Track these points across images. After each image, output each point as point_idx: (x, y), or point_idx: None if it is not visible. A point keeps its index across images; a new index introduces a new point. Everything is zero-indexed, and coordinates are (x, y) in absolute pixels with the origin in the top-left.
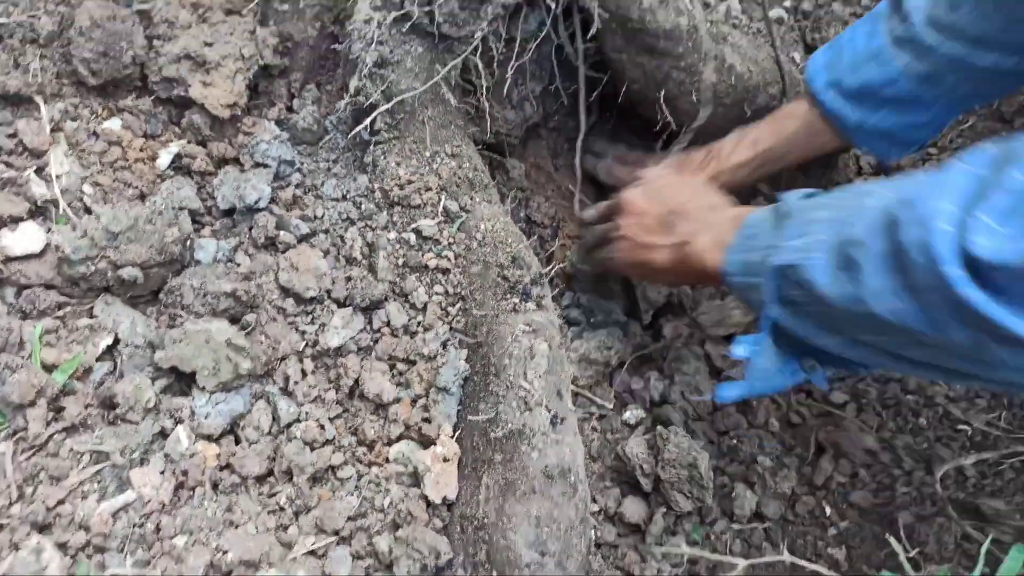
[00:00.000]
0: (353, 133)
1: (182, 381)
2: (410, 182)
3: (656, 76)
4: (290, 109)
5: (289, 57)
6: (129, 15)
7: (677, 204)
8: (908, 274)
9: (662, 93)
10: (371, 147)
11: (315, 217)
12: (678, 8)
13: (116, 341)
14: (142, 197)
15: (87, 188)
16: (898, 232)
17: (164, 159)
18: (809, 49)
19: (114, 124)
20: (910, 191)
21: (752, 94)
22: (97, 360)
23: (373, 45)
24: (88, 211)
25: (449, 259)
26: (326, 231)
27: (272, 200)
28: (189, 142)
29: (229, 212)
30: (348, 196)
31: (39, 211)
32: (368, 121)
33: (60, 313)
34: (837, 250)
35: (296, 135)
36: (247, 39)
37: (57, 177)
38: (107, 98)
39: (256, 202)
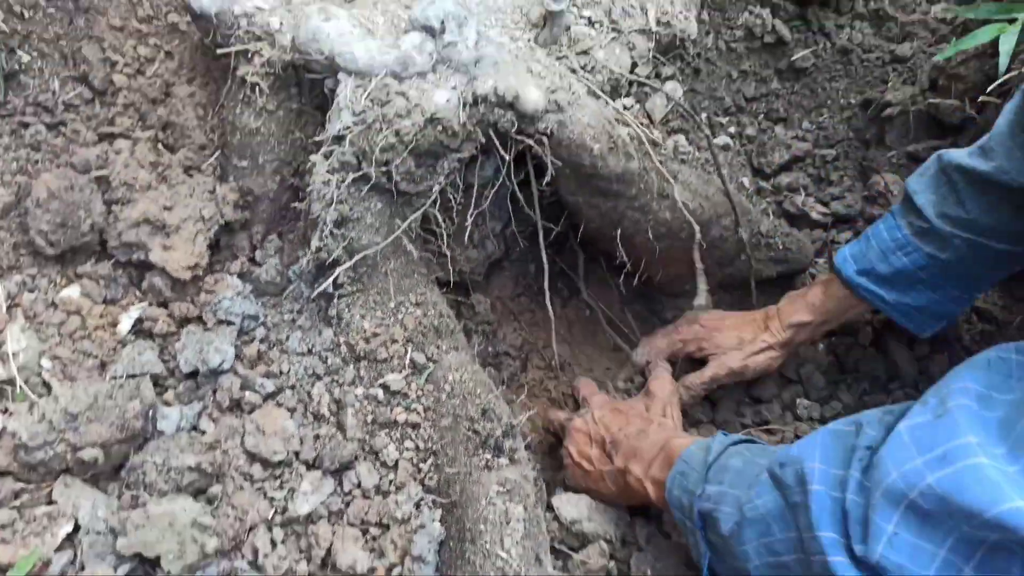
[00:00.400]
0: (317, 292)
1: (147, 565)
2: (375, 335)
3: (612, 216)
4: (252, 260)
5: (250, 211)
6: (87, 183)
7: (613, 432)
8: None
9: (618, 232)
10: (335, 300)
11: (281, 373)
12: (628, 153)
13: (76, 528)
14: (103, 366)
15: (45, 362)
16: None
17: (125, 324)
18: (756, 172)
19: (73, 292)
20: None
21: (706, 228)
22: (56, 551)
23: (333, 205)
24: (47, 387)
25: (419, 412)
26: (292, 387)
27: (237, 356)
28: (150, 304)
29: (192, 375)
30: (314, 350)
31: None
32: (331, 279)
33: (16, 502)
34: (737, 504)
35: (259, 287)
36: (207, 199)
37: (14, 355)
38: (65, 266)
39: (220, 364)
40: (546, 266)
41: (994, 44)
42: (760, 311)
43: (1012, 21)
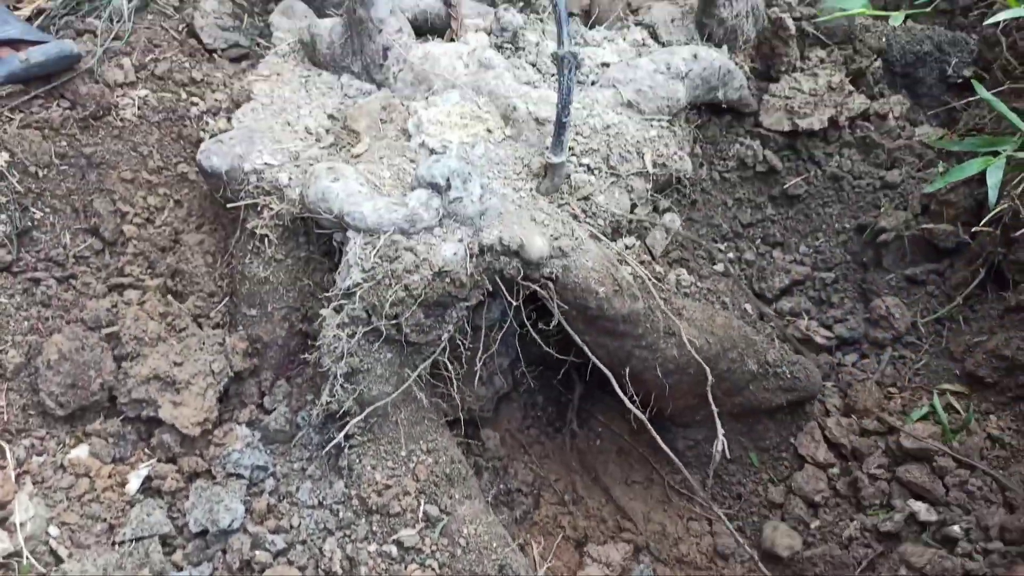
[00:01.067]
0: (329, 446)
1: None
2: (387, 487)
3: (620, 355)
4: (261, 407)
5: (259, 357)
6: (97, 341)
7: None
8: None
9: (627, 370)
10: (345, 450)
11: (291, 527)
12: (633, 294)
13: None
14: (111, 529)
15: (53, 530)
16: None
17: (134, 483)
18: (757, 296)
19: (82, 452)
20: None
21: (714, 362)
22: None
23: (343, 358)
24: (55, 556)
25: (434, 569)
26: (303, 542)
27: (246, 511)
28: (159, 460)
29: (202, 534)
30: (325, 503)
31: (0, 566)
32: (342, 434)
33: None
34: None
35: (268, 435)
36: (217, 351)
37: (21, 525)
38: (75, 424)
39: (230, 524)
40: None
41: (982, 173)
42: None
43: (996, 154)
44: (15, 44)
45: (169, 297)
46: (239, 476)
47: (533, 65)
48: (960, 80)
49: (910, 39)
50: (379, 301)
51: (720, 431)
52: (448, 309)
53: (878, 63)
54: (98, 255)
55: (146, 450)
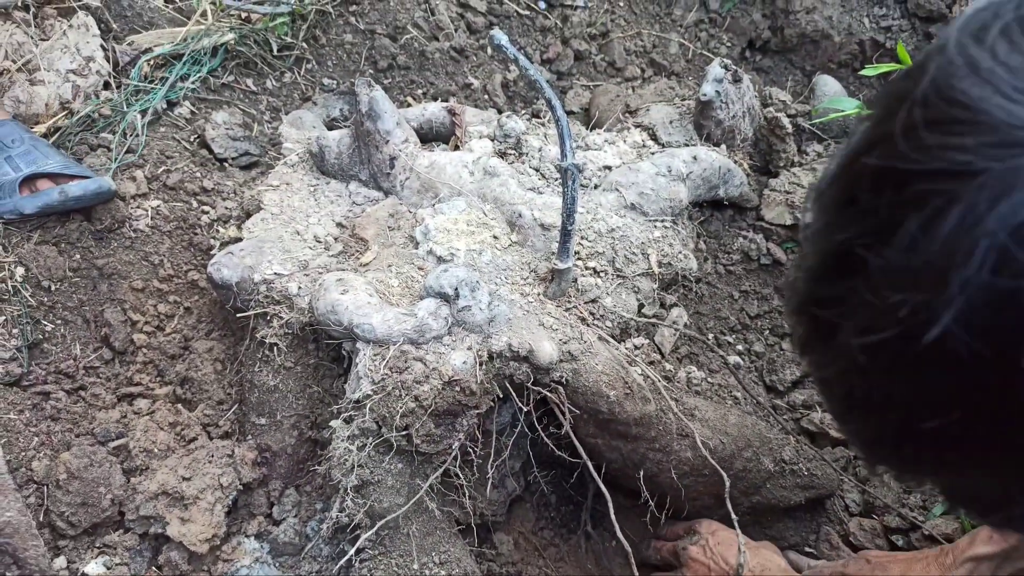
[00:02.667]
0: (341, 562)
1: None
2: None
3: (633, 458)
4: (269, 517)
5: (267, 466)
6: (106, 456)
7: (732, 566)
8: None
9: (641, 472)
10: (356, 564)
11: None
12: (644, 397)
13: None
14: None
15: None
16: None
17: None
18: (769, 389)
19: (97, 568)
20: None
21: (729, 463)
22: None
23: (354, 471)
24: None
25: None
26: None
27: None
28: None
29: None
30: None
31: None
32: (354, 549)
33: None
34: None
35: (277, 548)
36: (226, 464)
37: None
38: (88, 540)
39: None
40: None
41: None
42: (934, 548)
43: None
44: (54, 177)
45: (179, 406)
46: None
47: (537, 170)
48: None
49: None
50: (389, 412)
51: (741, 541)
52: (458, 417)
53: None
54: (108, 364)
55: (155, 568)
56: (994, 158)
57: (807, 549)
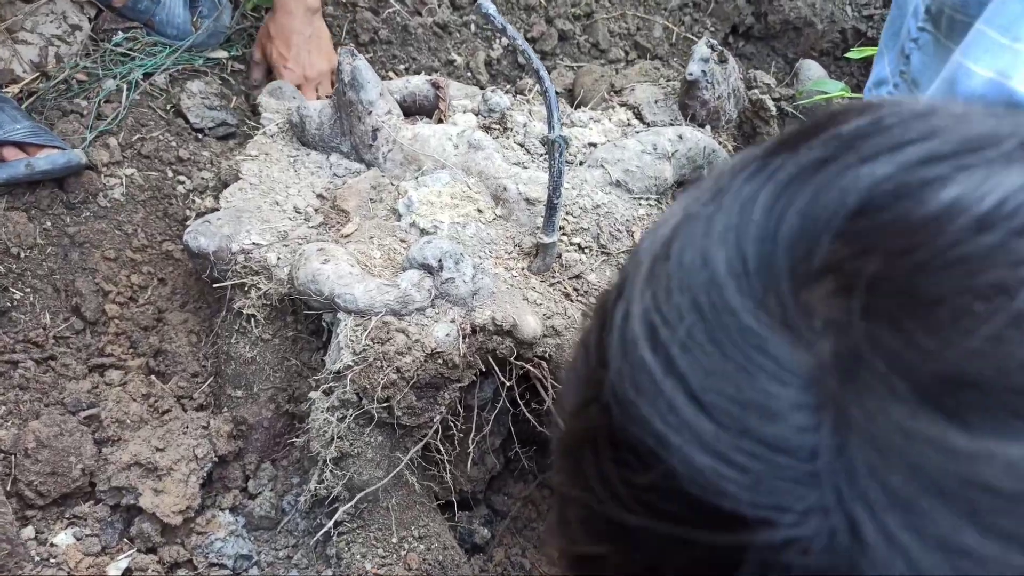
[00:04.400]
0: (318, 535)
1: None
2: None
3: None
4: (245, 491)
5: (243, 440)
6: (77, 425)
7: None
8: None
9: None
10: (334, 537)
11: None
12: None
13: None
14: None
15: None
16: None
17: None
18: None
19: (67, 539)
20: None
21: None
22: None
23: (333, 443)
24: None
25: None
26: None
27: None
28: (139, 551)
29: None
30: None
31: None
32: (332, 522)
33: None
34: None
35: (252, 521)
36: (201, 435)
37: None
38: (59, 507)
39: None
40: None
41: None
42: None
43: None
44: (22, 146)
45: (152, 377)
46: (222, 566)
47: (521, 146)
48: None
49: None
50: (370, 384)
51: None
52: (440, 390)
53: None
54: (78, 335)
55: (126, 539)
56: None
57: None
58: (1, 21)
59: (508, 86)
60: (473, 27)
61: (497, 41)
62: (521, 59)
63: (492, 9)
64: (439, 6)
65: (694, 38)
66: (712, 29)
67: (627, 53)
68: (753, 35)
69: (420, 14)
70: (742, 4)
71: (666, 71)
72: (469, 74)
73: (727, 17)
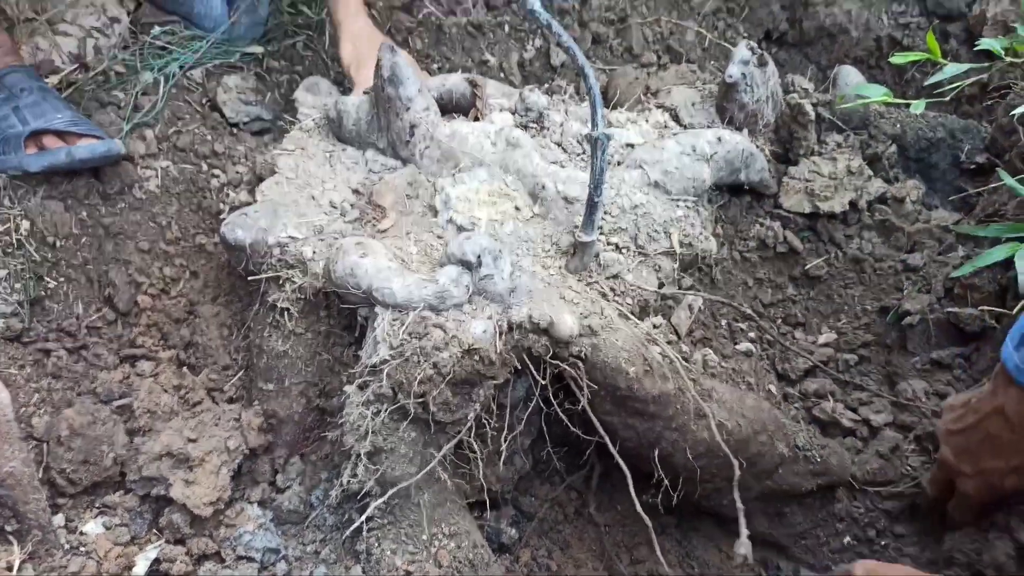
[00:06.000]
0: (350, 530)
1: None
2: (408, 573)
3: (648, 436)
4: (274, 485)
5: (273, 433)
6: (109, 415)
7: None
8: None
9: (656, 451)
10: (364, 533)
11: None
12: (663, 375)
13: None
14: None
15: None
16: None
17: (141, 566)
18: (780, 377)
19: (96, 527)
20: None
21: (744, 445)
22: None
23: (367, 437)
24: None
25: None
26: None
27: None
28: (168, 542)
29: None
30: None
31: None
32: (364, 516)
33: None
34: None
35: (281, 516)
36: (232, 427)
37: None
38: (89, 496)
39: None
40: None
41: (1006, 258)
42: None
43: (1022, 240)
44: (62, 135)
45: (183, 369)
46: (250, 559)
47: (558, 145)
48: (973, 166)
49: (924, 126)
50: (406, 379)
51: (743, 531)
52: (476, 387)
53: (893, 148)
54: (110, 325)
55: (155, 530)
56: None
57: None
58: (42, 13)
59: (545, 84)
60: (507, 28)
61: (530, 42)
62: (555, 60)
63: (537, 5)
64: (473, 7)
65: (727, 44)
66: (745, 35)
67: (659, 57)
68: (786, 41)
69: (454, 14)
70: (776, 10)
71: (701, 74)
72: (502, 75)
73: (760, 23)
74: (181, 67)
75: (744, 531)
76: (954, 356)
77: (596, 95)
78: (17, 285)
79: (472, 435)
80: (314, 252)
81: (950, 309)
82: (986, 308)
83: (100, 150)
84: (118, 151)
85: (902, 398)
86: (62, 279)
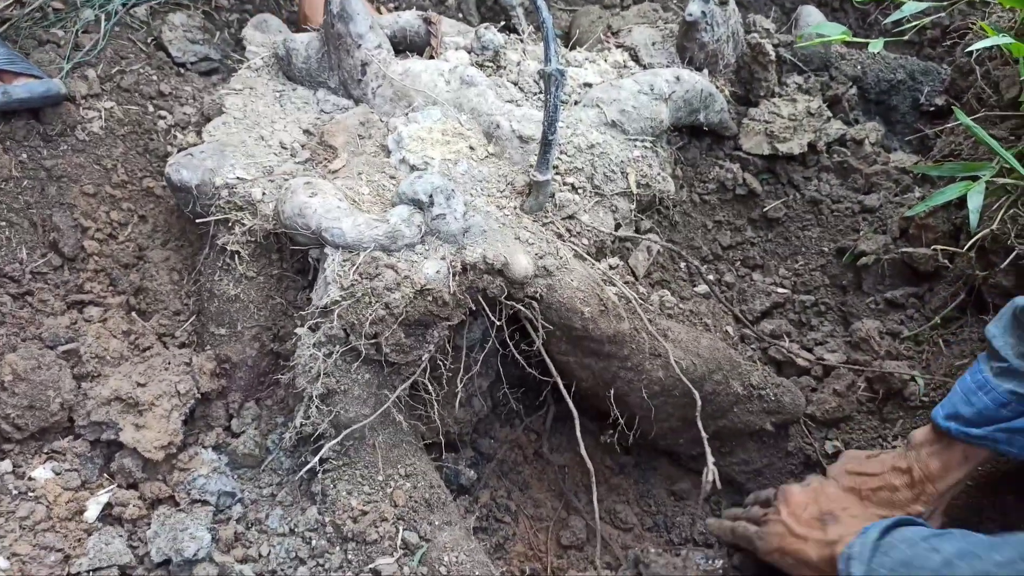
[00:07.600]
0: (303, 471)
1: None
2: (364, 513)
3: (604, 376)
4: (228, 430)
5: (227, 378)
6: (55, 359)
7: (834, 507)
8: None
9: (612, 391)
10: (319, 475)
11: (260, 556)
12: (619, 315)
13: None
14: (66, 559)
15: (2, 562)
16: None
17: (92, 511)
18: (736, 319)
19: (41, 474)
20: None
21: (699, 384)
22: None
23: (319, 379)
24: None
25: None
26: (273, 572)
27: (213, 539)
28: (120, 486)
29: (164, 563)
30: (296, 530)
31: None
32: (317, 458)
33: None
34: None
35: (236, 460)
36: (183, 372)
37: None
38: (37, 442)
39: (195, 553)
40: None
41: (960, 198)
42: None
43: (975, 180)
44: None
45: (133, 315)
46: (205, 503)
47: (515, 84)
48: (932, 108)
49: (884, 67)
50: (358, 320)
51: (710, 459)
52: (430, 328)
53: (853, 90)
54: (57, 271)
55: (106, 475)
56: None
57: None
58: None
59: (502, 22)
60: None
61: None
62: None
63: None
64: None
65: None
66: None
67: None
68: None
69: None
70: None
71: (664, 14)
72: (460, 15)
73: None
74: (124, 4)
75: (711, 458)
76: (908, 296)
77: (549, 29)
78: None
79: (427, 377)
80: (264, 193)
81: (904, 249)
82: (939, 247)
83: (39, 90)
84: (58, 91)
85: (855, 337)
86: (3, 223)
